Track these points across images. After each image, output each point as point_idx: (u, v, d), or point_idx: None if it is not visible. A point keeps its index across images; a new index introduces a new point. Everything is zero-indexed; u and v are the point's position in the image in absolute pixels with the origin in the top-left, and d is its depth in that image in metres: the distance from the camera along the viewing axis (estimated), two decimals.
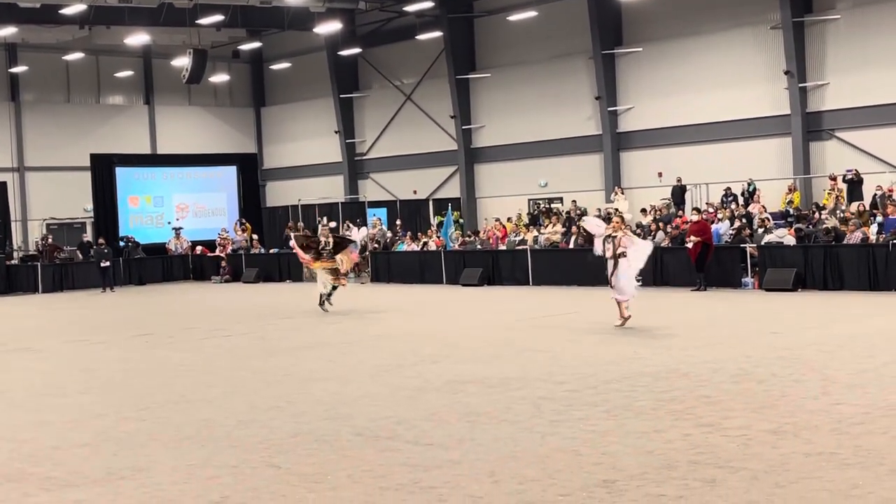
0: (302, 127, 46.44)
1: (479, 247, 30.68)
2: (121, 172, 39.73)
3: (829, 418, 9.23)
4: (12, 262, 35.28)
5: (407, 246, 32.26)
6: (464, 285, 28.05)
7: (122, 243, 36.68)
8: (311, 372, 13.44)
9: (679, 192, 31.52)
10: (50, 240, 36.85)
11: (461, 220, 35.45)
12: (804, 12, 30.67)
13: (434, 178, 41.06)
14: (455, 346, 15.27)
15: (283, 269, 33.78)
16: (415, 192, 41.29)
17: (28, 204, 42.17)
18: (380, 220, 36.67)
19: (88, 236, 37.82)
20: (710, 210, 27.67)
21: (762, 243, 23.95)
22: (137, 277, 35.26)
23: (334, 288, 21.81)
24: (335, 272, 21.82)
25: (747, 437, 8.62)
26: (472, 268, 28.53)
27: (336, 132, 44.29)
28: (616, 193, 33.40)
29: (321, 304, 21.71)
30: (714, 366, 12.39)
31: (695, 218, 24.32)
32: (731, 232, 25.69)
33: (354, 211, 38.70)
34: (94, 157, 39.48)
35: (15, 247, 38.20)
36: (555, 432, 9.14)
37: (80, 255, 35.75)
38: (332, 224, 23.59)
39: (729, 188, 29.90)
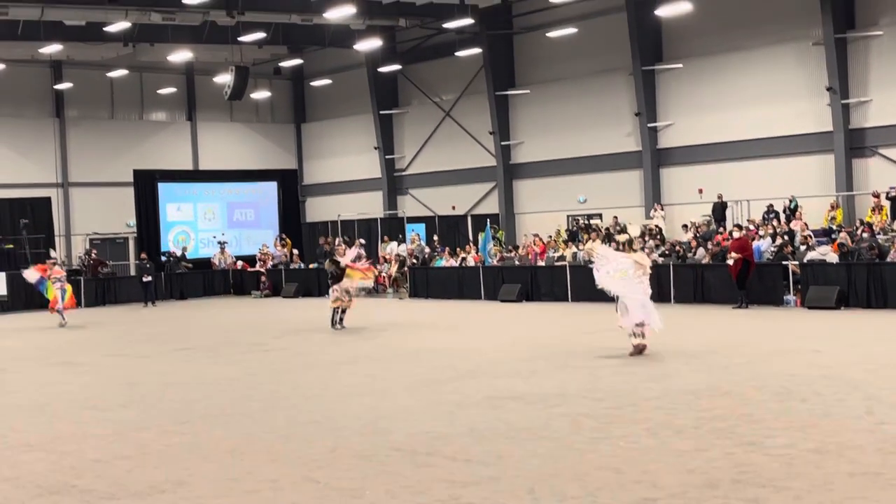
0: (342, 143, 46.67)
1: (517, 262, 30.62)
2: (163, 188, 40.16)
3: (873, 438, 9.10)
4: None
5: (445, 261, 32.26)
6: (502, 301, 28.01)
7: (163, 258, 37.02)
8: (349, 387, 13.46)
9: (720, 209, 31.30)
10: (94, 254, 37.24)
11: (501, 238, 35.30)
12: (846, 28, 30.42)
13: (473, 194, 41.09)
14: (494, 362, 15.24)
15: (323, 285, 33.80)
16: (453, 208, 41.33)
17: (72, 219, 42.65)
18: (418, 235, 36.72)
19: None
20: (752, 227, 27.45)
21: (804, 260, 23.71)
22: (178, 292, 35.55)
23: (343, 311, 21.66)
24: (346, 293, 21.73)
25: (791, 457, 8.52)
26: (510, 283, 28.49)
27: (375, 148, 44.46)
28: (655, 210, 33.25)
29: (333, 324, 21.61)
30: (756, 384, 12.26)
31: (736, 234, 24.14)
32: (772, 249, 25.46)
33: (393, 226, 38.78)
34: (137, 172, 39.91)
35: (59, 261, 38.57)
36: (595, 449, 9.08)
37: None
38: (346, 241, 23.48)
39: (771, 205, 29.66)
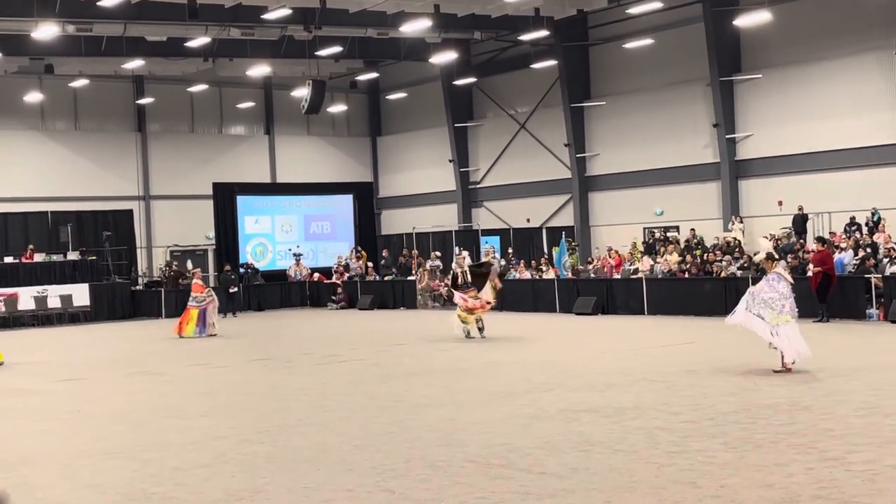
0: (417, 156, 46.89)
1: (593, 275, 30.44)
2: (242, 200, 40.76)
3: None
4: (137, 287, 36.39)
5: (519, 274, 32.17)
6: (577, 314, 27.86)
7: (242, 270, 37.53)
8: (424, 398, 13.50)
9: (800, 221, 30.78)
10: (175, 266, 37.90)
11: (576, 250, 35.08)
12: None
13: (548, 207, 40.96)
14: (568, 375, 15.16)
15: (398, 297, 34.11)
16: (528, 221, 41.24)
17: (153, 231, 43.47)
18: (493, 248, 36.71)
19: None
20: (835, 238, 26.90)
21: (887, 274, 23.18)
22: (257, 303, 36.01)
23: (478, 319, 21.71)
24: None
25: (874, 473, 8.32)
26: (585, 296, 28.32)
27: (450, 161, 44.58)
28: (734, 222, 32.81)
29: (467, 334, 21.67)
30: (838, 398, 12.02)
31: (815, 247, 23.70)
32: (854, 262, 24.95)
33: (468, 239, 38.84)
34: (216, 185, 40.58)
35: (140, 273, 39.39)
36: (671, 463, 8.98)
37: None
38: (466, 254, 23.65)
39: (853, 217, 29.08)
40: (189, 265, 34.30)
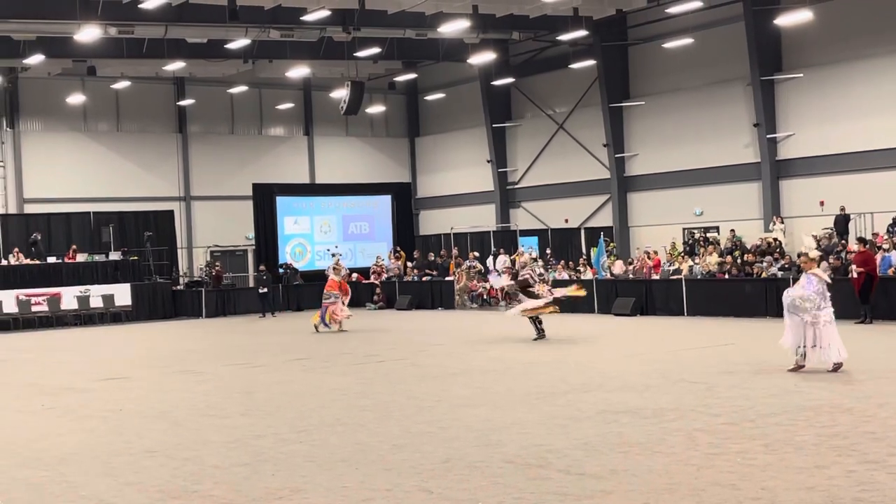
0: (455, 156, 46.91)
1: (631, 276, 30.30)
2: (281, 201, 41.00)
3: None
4: (178, 287, 36.69)
5: (558, 275, 32.06)
6: (616, 315, 27.75)
7: (281, 270, 37.76)
8: (462, 398, 13.50)
9: (842, 222, 30.46)
10: (217, 266, 38.19)
11: (613, 251, 34.94)
12: None
13: (586, 207, 40.83)
14: (607, 376, 15.10)
15: (436, 297, 34.15)
16: (566, 221, 41.14)
17: (193, 232, 43.81)
18: (532, 248, 36.63)
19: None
20: (878, 238, 26.58)
21: None
22: (296, 303, 36.19)
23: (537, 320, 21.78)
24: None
25: None
26: (624, 297, 28.20)
27: (488, 161, 44.56)
28: (774, 223, 32.53)
29: (539, 333, 21.76)
30: (880, 401, 11.89)
31: (857, 248, 23.45)
32: None
33: (506, 239, 38.80)
34: (255, 186, 40.84)
35: (181, 273, 39.71)
36: (711, 465, 8.93)
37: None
38: (535, 256, 23.67)
39: (895, 217, 28.73)
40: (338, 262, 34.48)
